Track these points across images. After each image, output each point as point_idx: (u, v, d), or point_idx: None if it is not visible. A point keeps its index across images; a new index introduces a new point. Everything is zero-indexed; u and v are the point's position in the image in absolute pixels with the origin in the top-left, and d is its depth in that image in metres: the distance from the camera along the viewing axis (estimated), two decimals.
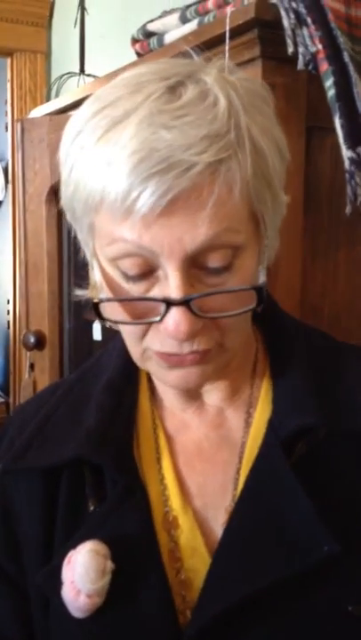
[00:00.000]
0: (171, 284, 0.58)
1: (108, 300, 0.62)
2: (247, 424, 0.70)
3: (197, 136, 0.55)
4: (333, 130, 0.93)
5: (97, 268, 0.64)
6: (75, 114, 0.62)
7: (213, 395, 0.72)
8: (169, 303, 0.58)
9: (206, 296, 0.59)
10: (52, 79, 2.91)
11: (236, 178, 0.57)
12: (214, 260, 0.59)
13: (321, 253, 1.10)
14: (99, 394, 0.73)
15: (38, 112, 1.72)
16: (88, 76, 2.05)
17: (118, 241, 0.59)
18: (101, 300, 0.62)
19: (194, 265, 0.59)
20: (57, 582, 0.64)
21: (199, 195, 0.56)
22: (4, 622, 0.74)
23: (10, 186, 3.08)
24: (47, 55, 2.97)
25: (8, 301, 3.21)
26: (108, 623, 0.63)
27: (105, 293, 0.64)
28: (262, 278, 0.61)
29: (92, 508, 0.68)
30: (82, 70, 2.04)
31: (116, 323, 0.64)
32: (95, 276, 0.65)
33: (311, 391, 0.68)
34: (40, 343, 1.56)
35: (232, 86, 0.59)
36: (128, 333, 0.65)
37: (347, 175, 0.92)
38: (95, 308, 0.62)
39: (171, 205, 0.55)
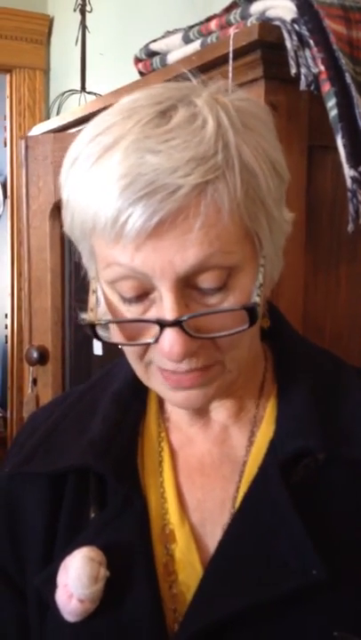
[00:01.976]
0: (165, 305, 0.59)
1: (106, 322, 0.64)
2: (250, 443, 0.71)
3: (183, 159, 0.56)
4: (335, 148, 0.95)
5: (100, 291, 0.65)
6: (75, 139, 0.64)
7: (220, 412, 0.73)
8: (162, 324, 0.59)
9: (198, 317, 0.60)
10: (51, 95, 2.94)
11: (224, 199, 0.57)
12: (208, 281, 0.59)
13: (323, 269, 1.11)
14: (105, 404, 0.75)
15: (40, 129, 1.74)
16: (89, 93, 2.07)
17: (113, 264, 0.60)
18: (97, 323, 0.64)
19: (188, 286, 0.60)
20: (53, 586, 0.65)
21: (186, 216, 0.56)
22: (6, 626, 0.75)
23: (8, 201, 3.10)
24: (46, 72, 3.00)
25: (6, 316, 3.22)
26: (98, 629, 0.64)
27: (105, 315, 0.65)
28: (256, 298, 0.61)
29: (92, 516, 0.69)
30: (83, 88, 2.06)
31: (114, 344, 0.65)
32: (93, 298, 0.66)
33: (313, 415, 0.68)
34: (43, 358, 1.56)
35: (223, 107, 0.60)
36: (129, 353, 0.66)
37: (349, 194, 0.94)
38: (92, 330, 0.64)
39: (159, 228, 0.56)
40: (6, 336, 3.24)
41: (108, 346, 1.56)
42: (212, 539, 0.67)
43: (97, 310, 0.65)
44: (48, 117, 2.87)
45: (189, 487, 0.71)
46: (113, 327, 0.64)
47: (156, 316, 0.60)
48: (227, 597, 0.61)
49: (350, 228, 0.95)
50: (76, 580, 0.63)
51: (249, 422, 0.72)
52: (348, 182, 0.93)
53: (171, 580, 0.66)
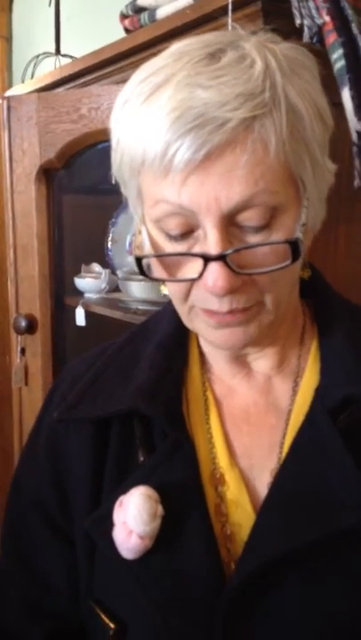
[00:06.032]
0: (209, 240, 0.60)
1: (152, 256, 0.64)
2: (294, 392, 0.73)
3: (232, 94, 0.57)
4: (336, 104, 0.93)
5: (144, 232, 0.66)
6: (126, 84, 0.64)
7: (261, 363, 0.74)
8: (206, 259, 0.60)
9: (241, 250, 0.60)
10: (15, 62, 2.87)
11: (271, 135, 0.58)
12: (252, 220, 0.60)
13: (321, 228, 1.10)
14: (150, 353, 0.76)
15: (18, 91, 1.68)
16: (64, 56, 2.02)
17: (160, 202, 0.61)
18: (144, 256, 0.64)
19: (232, 224, 0.60)
20: (107, 526, 0.67)
21: (233, 150, 0.57)
22: (54, 569, 0.77)
23: None
24: (8, 39, 2.94)
25: None
26: (155, 567, 0.65)
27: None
28: (299, 234, 0.61)
29: (141, 459, 0.70)
30: (57, 51, 2.01)
31: (158, 280, 0.66)
32: (140, 238, 0.67)
33: (358, 364, 0.69)
34: (31, 327, 1.52)
35: (271, 51, 0.61)
36: (173, 293, 0.67)
37: (354, 148, 0.93)
38: (138, 264, 0.64)
39: (206, 160, 0.57)
40: None
41: (90, 317, 1.53)
42: (261, 481, 0.69)
43: (143, 249, 0.67)
44: (11, 85, 2.81)
45: (236, 434, 0.72)
46: (156, 265, 0.65)
47: (200, 252, 0.61)
48: (284, 535, 0.63)
49: (357, 183, 0.94)
50: (137, 516, 0.64)
51: (292, 373, 0.74)
52: (354, 136, 0.92)
53: (223, 521, 0.68)
